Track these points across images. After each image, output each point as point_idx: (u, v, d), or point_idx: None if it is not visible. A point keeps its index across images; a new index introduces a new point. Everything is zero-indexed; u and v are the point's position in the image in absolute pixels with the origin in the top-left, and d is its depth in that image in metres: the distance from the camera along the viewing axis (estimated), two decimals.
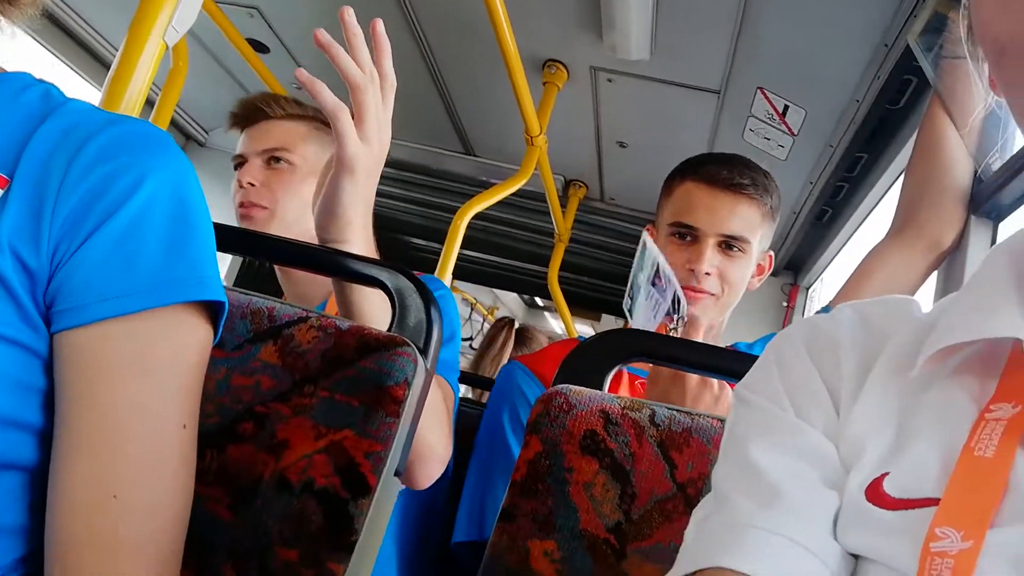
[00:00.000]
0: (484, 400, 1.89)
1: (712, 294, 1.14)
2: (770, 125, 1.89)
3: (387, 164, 0.84)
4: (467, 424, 1.29)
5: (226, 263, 2.57)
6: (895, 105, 1.56)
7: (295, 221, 1.21)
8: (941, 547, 0.35)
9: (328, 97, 0.73)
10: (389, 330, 0.74)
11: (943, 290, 1.26)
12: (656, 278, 1.04)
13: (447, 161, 2.57)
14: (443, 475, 0.92)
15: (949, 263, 1.22)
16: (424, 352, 0.72)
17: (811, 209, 2.15)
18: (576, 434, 0.68)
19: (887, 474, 0.41)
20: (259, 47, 2.10)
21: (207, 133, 2.70)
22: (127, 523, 0.52)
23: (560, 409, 0.69)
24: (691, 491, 0.66)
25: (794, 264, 2.57)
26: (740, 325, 1.87)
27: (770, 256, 1.25)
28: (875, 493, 0.40)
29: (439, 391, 0.89)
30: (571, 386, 0.72)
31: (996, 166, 1.11)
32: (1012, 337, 0.40)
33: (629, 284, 1.07)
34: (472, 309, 4.94)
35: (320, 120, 1.26)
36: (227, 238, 0.86)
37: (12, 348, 0.52)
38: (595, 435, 0.68)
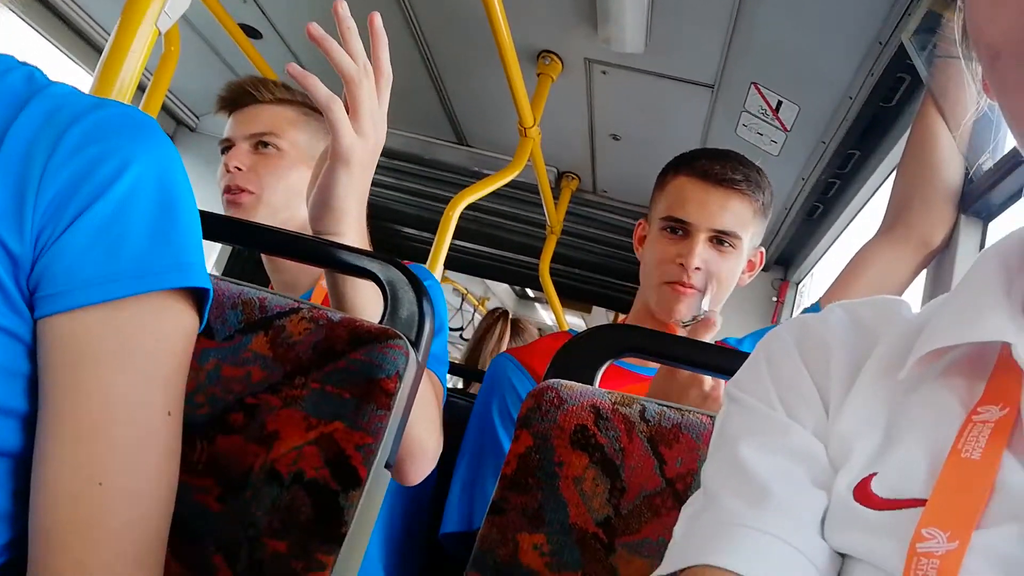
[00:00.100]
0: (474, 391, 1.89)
1: (699, 290, 1.15)
2: (763, 120, 1.89)
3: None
4: (456, 415, 1.29)
5: (215, 251, 2.56)
6: (888, 103, 1.56)
7: (282, 207, 1.20)
8: (927, 547, 0.35)
9: (321, 90, 0.73)
10: (381, 322, 0.74)
11: (932, 288, 1.27)
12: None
13: (440, 151, 2.56)
14: None
15: (938, 262, 1.23)
16: (416, 345, 0.72)
17: (802, 205, 2.16)
18: (567, 429, 0.69)
19: (875, 474, 0.41)
20: (252, 32, 2.08)
21: (198, 118, 2.68)
22: (111, 509, 0.52)
23: (551, 404, 0.70)
24: (680, 486, 0.67)
25: (784, 259, 2.58)
26: (730, 320, 1.87)
27: (761, 252, 1.26)
28: (863, 493, 0.40)
29: (430, 388, 0.89)
30: (562, 381, 0.72)
31: (987, 166, 1.11)
32: (999, 341, 0.40)
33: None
34: (463, 299, 4.94)
35: (310, 106, 1.25)
36: (219, 227, 0.86)
37: None
38: (586, 430, 0.69)
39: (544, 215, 2.50)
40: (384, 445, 0.67)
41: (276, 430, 0.68)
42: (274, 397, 0.70)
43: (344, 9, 0.73)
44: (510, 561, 0.66)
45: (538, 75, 1.93)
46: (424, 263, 1.70)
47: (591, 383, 0.74)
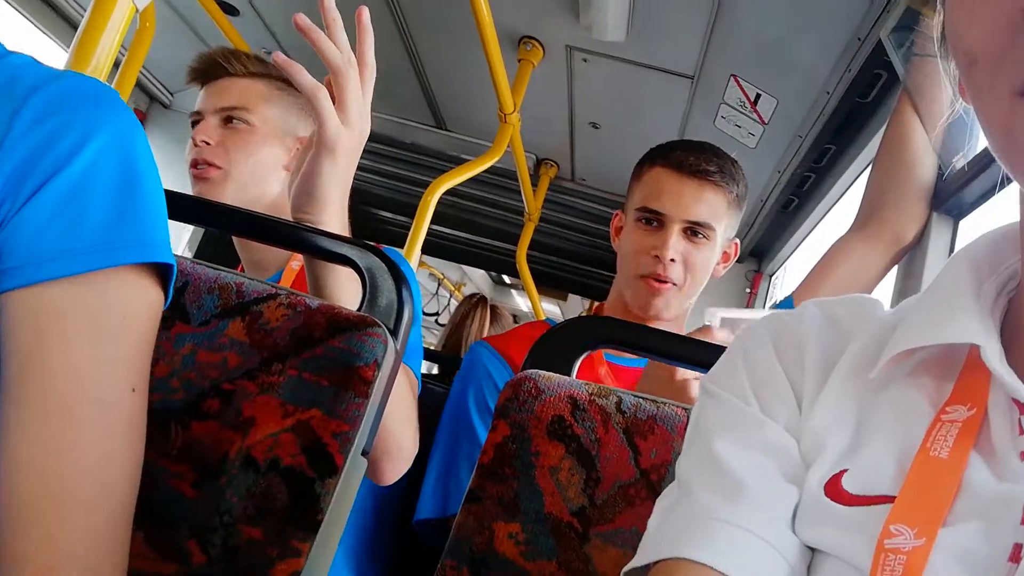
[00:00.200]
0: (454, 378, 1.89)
1: (675, 284, 1.16)
2: (742, 113, 1.90)
3: None
4: (432, 402, 1.30)
5: (188, 231, 2.53)
6: (864, 99, 1.58)
7: (250, 184, 1.17)
8: (895, 544, 0.36)
9: (306, 79, 0.73)
10: (359, 310, 0.73)
11: (903, 284, 1.29)
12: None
13: (418, 134, 2.54)
14: None
15: (910, 258, 1.25)
16: (394, 333, 0.72)
17: (778, 198, 2.18)
18: (544, 419, 0.69)
19: (846, 471, 0.42)
20: (228, 9, 2.04)
21: (172, 95, 2.63)
22: (78, 485, 0.52)
23: (529, 394, 0.70)
24: (654, 477, 0.68)
25: (758, 251, 2.61)
26: (704, 311, 1.89)
27: (735, 244, 1.27)
28: (834, 489, 0.41)
29: (406, 384, 0.88)
30: (540, 371, 0.72)
31: (959, 165, 1.13)
32: (968, 343, 0.41)
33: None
34: (439, 284, 4.93)
35: (285, 80, 1.23)
36: (194, 209, 0.85)
37: None
38: (562, 420, 0.69)
39: (522, 202, 2.50)
40: (361, 433, 0.67)
41: (252, 416, 0.68)
42: (251, 383, 0.69)
43: (330, 1, 0.73)
44: (486, 549, 0.67)
45: (519, 61, 1.92)
46: (401, 247, 1.70)
47: (569, 374, 0.74)
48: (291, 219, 0.82)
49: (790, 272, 2.46)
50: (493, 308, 2.62)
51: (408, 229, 1.77)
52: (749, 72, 1.76)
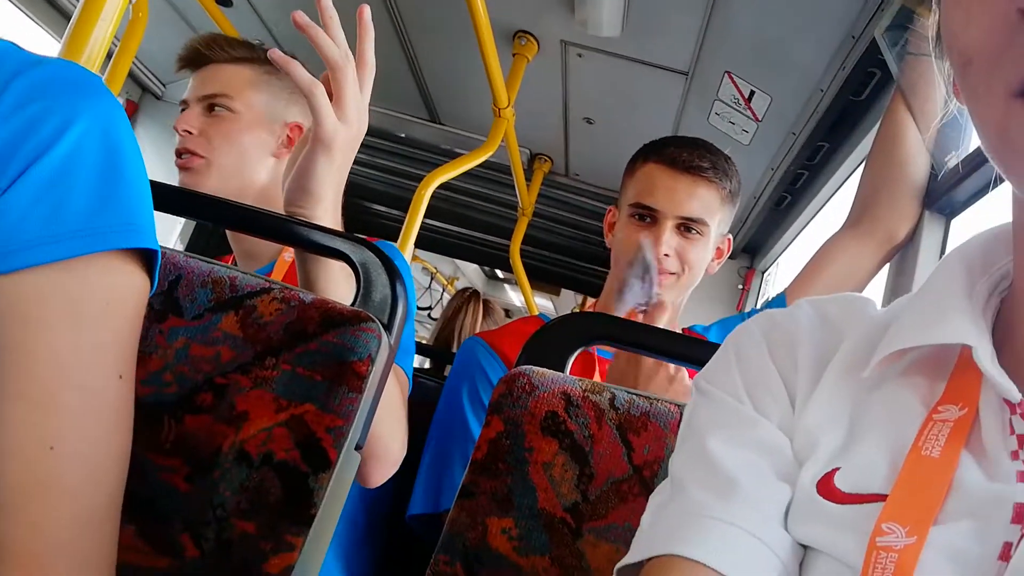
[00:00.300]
0: (446, 373, 1.89)
1: (673, 273, 1.16)
2: (736, 110, 1.91)
3: None
4: (425, 397, 1.30)
5: (180, 223, 2.51)
6: (858, 97, 1.58)
7: (234, 172, 1.15)
8: (886, 542, 0.37)
9: (302, 74, 0.73)
10: (353, 305, 0.73)
11: (895, 282, 1.30)
12: (644, 272, 1.06)
13: (412, 128, 2.53)
14: None
15: (901, 256, 1.26)
16: (388, 328, 0.72)
17: (771, 195, 2.19)
18: (537, 415, 0.69)
19: (838, 469, 0.42)
20: (222, 0, 2.03)
21: (164, 86, 2.61)
22: (64, 473, 0.51)
23: (523, 390, 0.70)
24: (647, 473, 0.68)
25: (751, 248, 2.62)
26: (696, 307, 1.90)
27: (728, 239, 1.27)
28: (826, 487, 0.42)
29: (396, 386, 0.88)
30: (534, 367, 0.72)
31: (952, 164, 1.14)
32: (960, 343, 0.41)
33: (622, 285, 1.10)
34: (432, 278, 4.93)
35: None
36: (186, 202, 0.85)
37: None
38: (556, 416, 0.69)
39: (516, 196, 2.49)
40: (355, 428, 0.67)
41: (246, 411, 0.68)
42: (244, 377, 0.69)
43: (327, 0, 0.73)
44: (479, 545, 0.67)
45: (513, 55, 1.92)
46: (394, 241, 1.70)
47: (562, 370, 0.74)
48: (282, 209, 0.81)
49: (783, 269, 2.47)
50: (485, 302, 2.62)
51: (401, 223, 1.76)
52: (743, 69, 1.77)
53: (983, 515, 0.36)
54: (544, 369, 0.72)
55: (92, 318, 0.54)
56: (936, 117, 1.13)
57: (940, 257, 1.04)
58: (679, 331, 1.26)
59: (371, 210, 2.88)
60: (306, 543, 0.64)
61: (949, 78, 0.45)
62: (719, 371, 0.51)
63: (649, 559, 0.43)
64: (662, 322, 0.95)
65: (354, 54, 0.77)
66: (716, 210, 1.17)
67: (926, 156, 1.20)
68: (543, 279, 3.01)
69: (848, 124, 1.70)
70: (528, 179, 2.53)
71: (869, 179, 1.26)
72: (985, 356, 0.39)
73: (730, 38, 1.68)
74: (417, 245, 2.03)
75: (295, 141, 1.19)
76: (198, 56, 1.19)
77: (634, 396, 0.71)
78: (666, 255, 1.15)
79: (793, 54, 1.62)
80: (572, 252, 2.83)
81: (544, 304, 5.20)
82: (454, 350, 2.46)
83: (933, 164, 1.20)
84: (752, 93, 1.82)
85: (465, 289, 2.69)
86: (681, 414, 0.67)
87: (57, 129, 0.52)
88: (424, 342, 2.75)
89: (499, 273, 5.50)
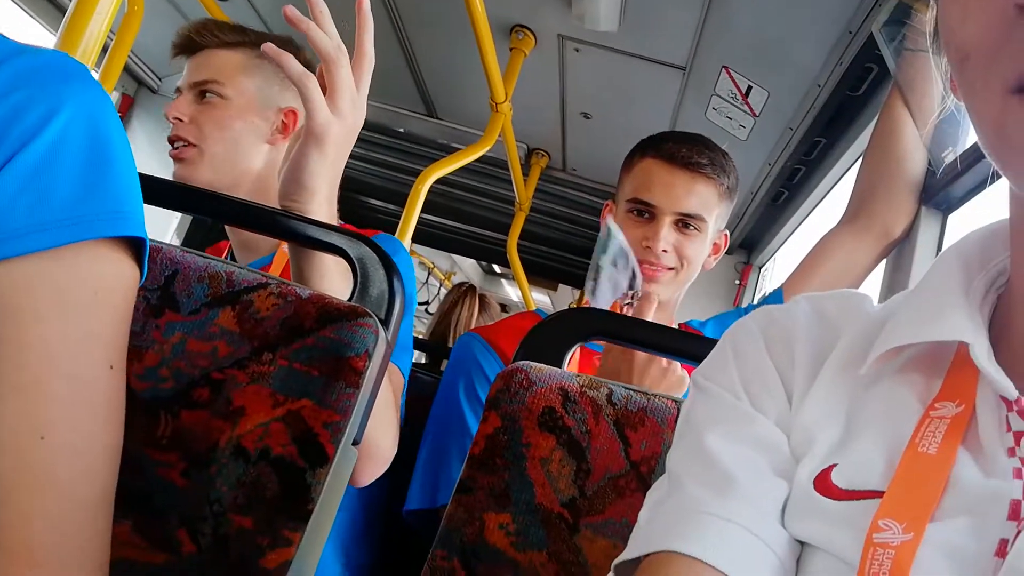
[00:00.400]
0: (443, 367, 1.88)
1: (670, 268, 1.16)
2: (733, 105, 1.90)
3: None
4: (422, 392, 1.30)
5: (176, 217, 2.51)
6: (855, 92, 1.58)
7: (227, 160, 1.13)
8: (883, 538, 0.37)
9: (294, 66, 0.72)
10: (350, 300, 0.73)
11: (891, 278, 1.30)
12: (617, 258, 1.06)
13: (409, 122, 2.53)
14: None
15: (898, 252, 1.26)
16: (386, 324, 0.72)
17: (768, 190, 2.19)
18: (535, 410, 0.69)
19: (835, 466, 0.42)
20: None
21: (160, 80, 2.61)
22: (55, 463, 0.51)
23: (520, 385, 0.70)
24: (644, 469, 0.68)
25: (748, 243, 2.62)
26: (693, 303, 1.90)
27: (725, 235, 1.27)
28: (823, 484, 0.42)
29: (389, 388, 0.87)
30: (531, 363, 0.72)
31: (949, 160, 1.14)
32: (957, 340, 0.41)
33: (592, 267, 1.08)
34: (429, 273, 4.92)
35: None
36: (182, 197, 0.84)
37: None
38: (553, 412, 0.69)
39: (513, 191, 2.49)
40: (352, 423, 0.67)
41: (242, 406, 0.68)
42: (241, 373, 0.69)
43: None
44: (476, 540, 0.67)
45: (511, 50, 1.92)
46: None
47: (559, 366, 0.74)
48: (278, 199, 0.81)
49: (779, 264, 2.48)
50: (481, 297, 2.62)
51: (399, 217, 1.76)
52: (741, 64, 1.76)
53: (980, 512, 0.36)
54: (541, 365, 0.72)
55: (81, 307, 0.53)
56: (933, 113, 1.13)
57: (937, 253, 1.04)
58: (676, 327, 1.26)
59: (368, 205, 2.87)
60: (303, 538, 0.64)
61: (946, 74, 0.45)
62: (716, 367, 0.51)
63: (646, 555, 0.43)
64: (649, 315, 0.95)
65: (353, 47, 0.77)
66: (714, 206, 1.17)
67: (923, 152, 1.20)
68: (540, 274, 3.01)
69: (845, 119, 1.70)
70: (525, 174, 2.53)
71: (866, 175, 1.26)
72: (982, 353, 0.39)
73: (727, 33, 1.67)
74: (414, 240, 2.04)
75: (290, 127, 1.18)
76: (190, 43, 1.18)
77: (631, 392, 0.71)
78: (664, 251, 1.15)
79: (790, 49, 1.62)
80: (569, 247, 2.83)
81: (541, 299, 5.20)
82: (450, 345, 2.46)
83: (930, 160, 1.20)
84: (749, 88, 1.82)
85: (461, 284, 2.68)
86: (678, 410, 0.68)
87: (42, 117, 0.52)
88: (420, 337, 2.75)
89: (496, 268, 5.50)
